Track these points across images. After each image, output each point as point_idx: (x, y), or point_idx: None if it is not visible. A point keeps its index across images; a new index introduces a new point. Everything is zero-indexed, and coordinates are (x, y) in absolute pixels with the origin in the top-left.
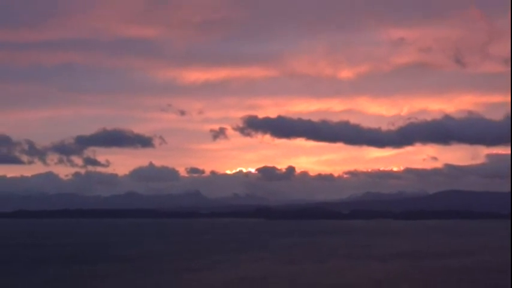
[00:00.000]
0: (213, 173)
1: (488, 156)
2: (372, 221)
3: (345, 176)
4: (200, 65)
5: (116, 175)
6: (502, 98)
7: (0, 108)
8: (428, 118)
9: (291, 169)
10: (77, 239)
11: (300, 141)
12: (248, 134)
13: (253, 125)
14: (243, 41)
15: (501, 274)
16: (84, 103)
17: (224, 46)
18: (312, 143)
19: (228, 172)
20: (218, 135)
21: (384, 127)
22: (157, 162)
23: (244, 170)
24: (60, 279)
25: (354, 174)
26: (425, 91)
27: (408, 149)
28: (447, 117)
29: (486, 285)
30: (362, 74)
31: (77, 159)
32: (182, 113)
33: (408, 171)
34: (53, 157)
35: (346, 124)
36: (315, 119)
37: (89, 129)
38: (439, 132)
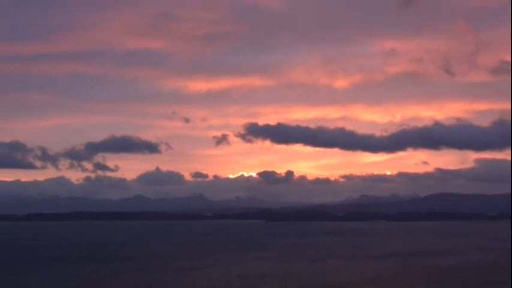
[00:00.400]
0: (216, 177)
1: (476, 160)
2: (366, 223)
3: (341, 179)
4: (203, 75)
5: (124, 179)
6: (489, 105)
7: (15, 116)
8: (420, 125)
9: (289, 173)
10: (88, 240)
11: (298, 147)
12: (249, 140)
13: (254, 132)
14: (243, 52)
15: (488, 271)
16: (94, 111)
17: (226, 58)
18: (309, 149)
19: (231, 176)
20: (221, 141)
21: (378, 133)
22: (164, 167)
23: (246, 174)
24: (73, 277)
25: (349, 178)
26: (416, 99)
27: (401, 154)
28: (437, 124)
29: (475, 283)
30: (356, 84)
31: (88, 165)
32: (187, 120)
33: (401, 175)
34: (64, 162)
35: (341, 131)
36: (312, 126)
37: (99, 136)
38: (430, 138)
